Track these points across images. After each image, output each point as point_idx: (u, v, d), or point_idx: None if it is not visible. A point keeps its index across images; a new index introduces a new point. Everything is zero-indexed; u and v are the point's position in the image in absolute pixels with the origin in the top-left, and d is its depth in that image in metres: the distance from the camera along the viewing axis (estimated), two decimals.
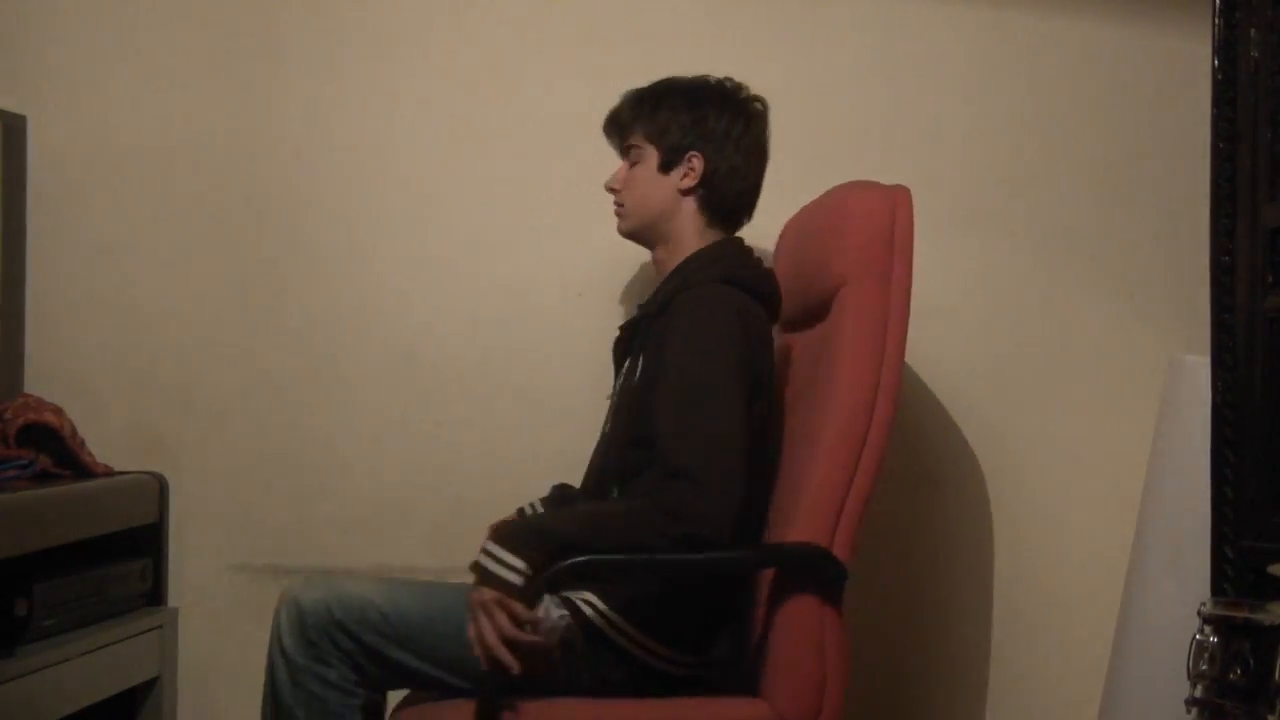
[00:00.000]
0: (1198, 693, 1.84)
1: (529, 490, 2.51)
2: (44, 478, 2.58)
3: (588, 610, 2.12)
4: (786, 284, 2.33)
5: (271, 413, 2.86)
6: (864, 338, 2.13)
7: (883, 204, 2.20)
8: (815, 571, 2.07)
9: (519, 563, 1.97)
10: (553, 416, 2.79)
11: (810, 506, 2.08)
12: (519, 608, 1.97)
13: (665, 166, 2.33)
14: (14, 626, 2.34)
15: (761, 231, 2.43)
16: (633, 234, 2.40)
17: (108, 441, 2.77)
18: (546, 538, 2.00)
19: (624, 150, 2.39)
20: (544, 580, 1.98)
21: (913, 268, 2.19)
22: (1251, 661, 1.77)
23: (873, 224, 2.19)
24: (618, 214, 2.40)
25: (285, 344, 2.87)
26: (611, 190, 2.40)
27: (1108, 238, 2.79)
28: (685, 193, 2.32)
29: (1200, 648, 1.84)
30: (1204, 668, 1.83)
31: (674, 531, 1.99)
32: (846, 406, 2.10)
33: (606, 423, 2.34)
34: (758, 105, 2.36)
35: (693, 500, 2.00)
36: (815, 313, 2.28)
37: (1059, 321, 2.79)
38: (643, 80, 2.38)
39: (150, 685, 2.74)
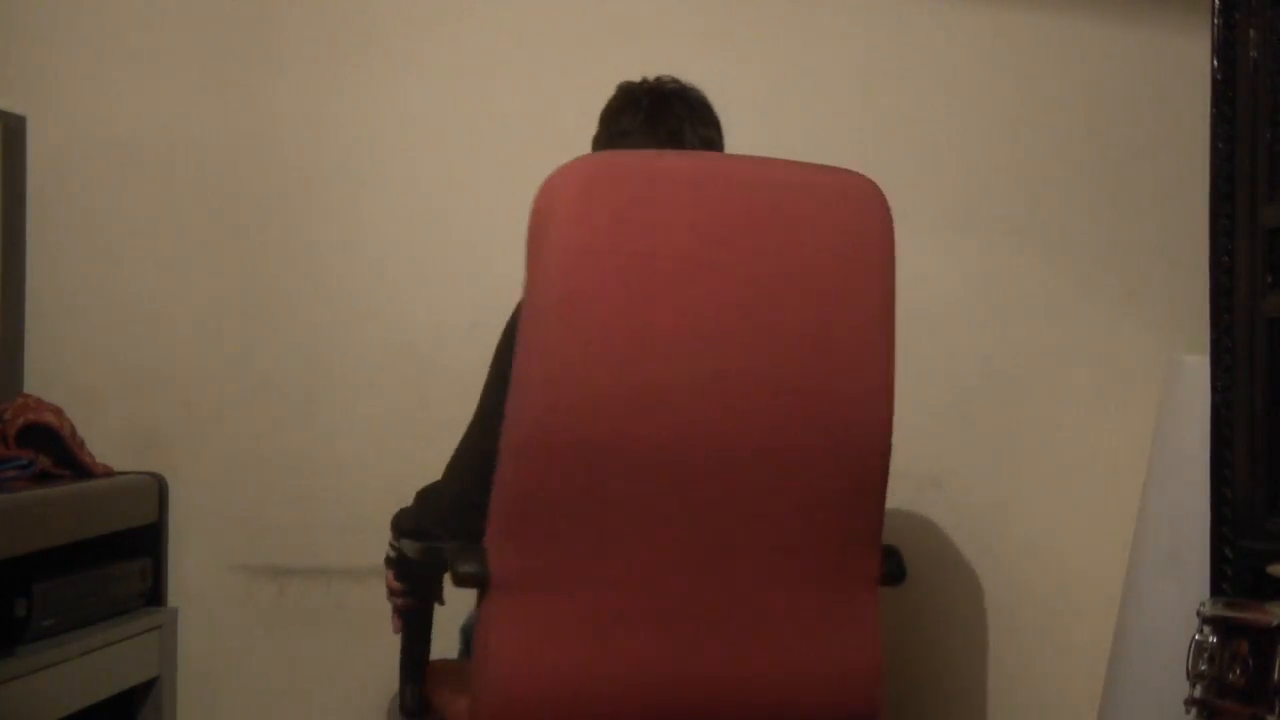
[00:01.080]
0: (1197, 693, 1.84)
1: None
2: (44, 478, 2.58)
3: None
4: None
5: (271, 413, 2.86)
6: (521, 329, 1.97)
7: (548, 181, 1.98)
8: (450, 572, 2.03)
9: (393, 541, 2.29)
10: None
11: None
12: (389, 577, 2.29)
13: None
14: (13, 626, 2.34)
15: None
16: None
17: (107, 442, 2.77)
18: (395, 523, 2.29)
19: None
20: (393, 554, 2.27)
21: (575, 247, 1.93)
22: (1251, 662, 1.76)
23: (533, 206, 1.99)
24: None
25: (285, 344, 2.87)
26: None
27: (1108, 238, 2.79)
28: None
29: (1199, 648, 1.84)
30: (1203, 668, 1.83)
31: (415, 525, 2.24)
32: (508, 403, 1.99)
33: None
34: (626, 90, 2.28)
35: (423, 496, 2.25)
36: None
37: (1059, 321, 2.79)
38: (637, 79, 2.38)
39: (150, 685, 2.74)
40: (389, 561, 2.30)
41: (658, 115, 2.25)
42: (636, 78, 2.38)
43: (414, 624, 2.28)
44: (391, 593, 2.31)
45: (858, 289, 2.05)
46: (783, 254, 2.02)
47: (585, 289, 1.94)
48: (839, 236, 2.05)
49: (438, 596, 2.27)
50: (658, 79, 2.29)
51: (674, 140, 2.21)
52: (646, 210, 1.97)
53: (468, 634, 2.41)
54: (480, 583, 1.98)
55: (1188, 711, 1.86)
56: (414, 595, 2.26)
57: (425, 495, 2.27)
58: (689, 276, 1.98)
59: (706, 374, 1.99)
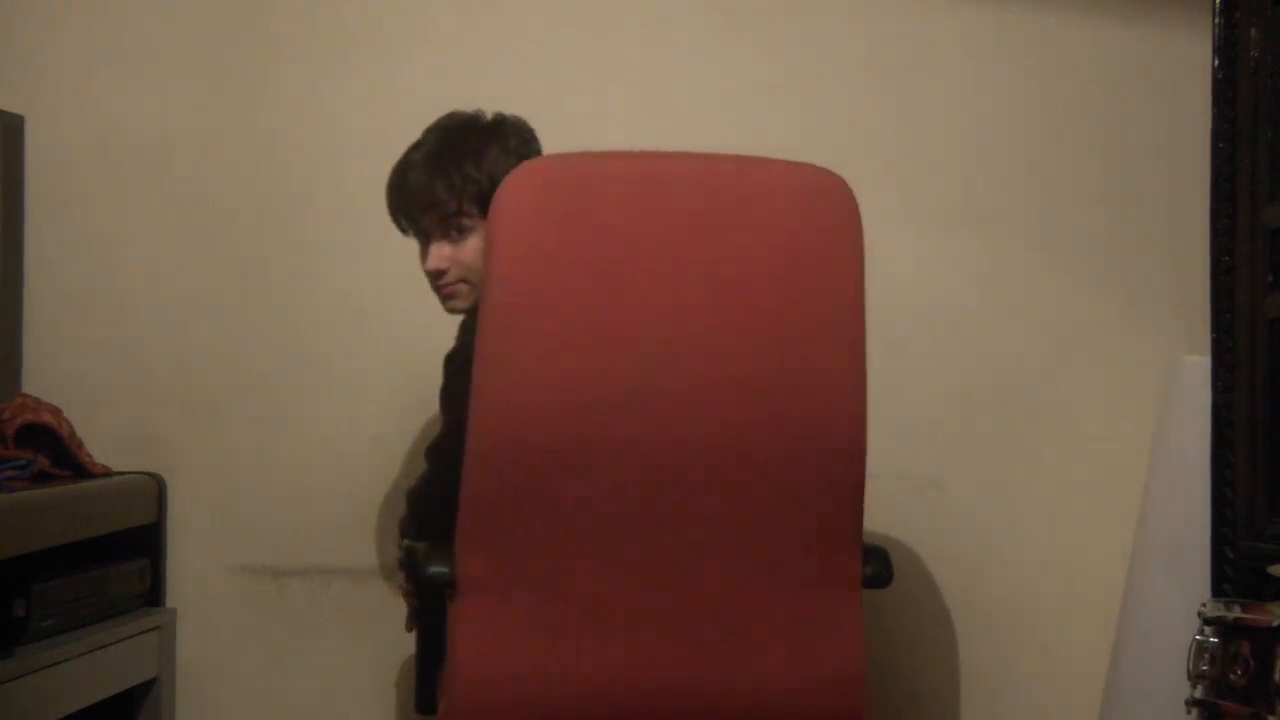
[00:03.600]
0: (1198, 693, 1.84)
1: None
2: (42, 478, 2.58)
3: None
4: None
5: (270, 413, 2.86)
6: (477, 336, 2.01)
7: (501, 185, 1.99)
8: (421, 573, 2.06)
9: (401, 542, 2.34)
10: None
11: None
12: (401, 578, 2.36)
13: None
14: (12, 627, 2.34)
15: None
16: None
17: (106, 442, 2.76)
18: (401, 524, 2.37)
19: (453, 226, 2.31)
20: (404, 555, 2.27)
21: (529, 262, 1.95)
22: (1251, 662, 1.76)
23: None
24: (456, 294, 2.33)
25: (284, 344, 2.86)
26: (441, 271, 2.32)
27: (1108, 238, 2.79)
28: None
29: (1200, 648, 1.84)
30: (1204, 668, 1.83)
31: (409, 526, 2.34)
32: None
33: None
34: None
35: (409, 498, 2.35)
36: None
37: (1060, 321, 2.79)
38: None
39: (148, 686, 2.74)
40: (400, 563, 2.32)
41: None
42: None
43: (427, 624, 2.28)
44: (405, 593, 2.34)
45: (822, 286, 2.02)
46: (739, 252, 2.00)
47: (535, 293, 1.94)
48: (800, 233, 2.02)
49: (450, 596, 2.27)
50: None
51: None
52: (596, 212, 1.97)
53: None
54: (448, 584, 1.99)
55: (1189, 712, 1.86)
56: (422, 596, 2.27)
57: (409, 497, 2.34)
58: (642, 278, 1.98)
59: (664, 376, 1.98)
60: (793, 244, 2.01)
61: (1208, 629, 1.85)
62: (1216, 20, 2.12)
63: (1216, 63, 2.13)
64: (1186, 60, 2.57)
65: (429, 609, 2.26)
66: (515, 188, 1.96)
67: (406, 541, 2.27)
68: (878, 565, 2.11)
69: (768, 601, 2.05)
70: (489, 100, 2.86)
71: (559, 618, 2.00)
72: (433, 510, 2.19)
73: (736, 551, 2.03)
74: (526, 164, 2.05)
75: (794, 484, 2.02)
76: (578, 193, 1.98)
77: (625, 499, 2.00)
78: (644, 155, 2.09)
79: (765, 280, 2.00)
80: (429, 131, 2.37)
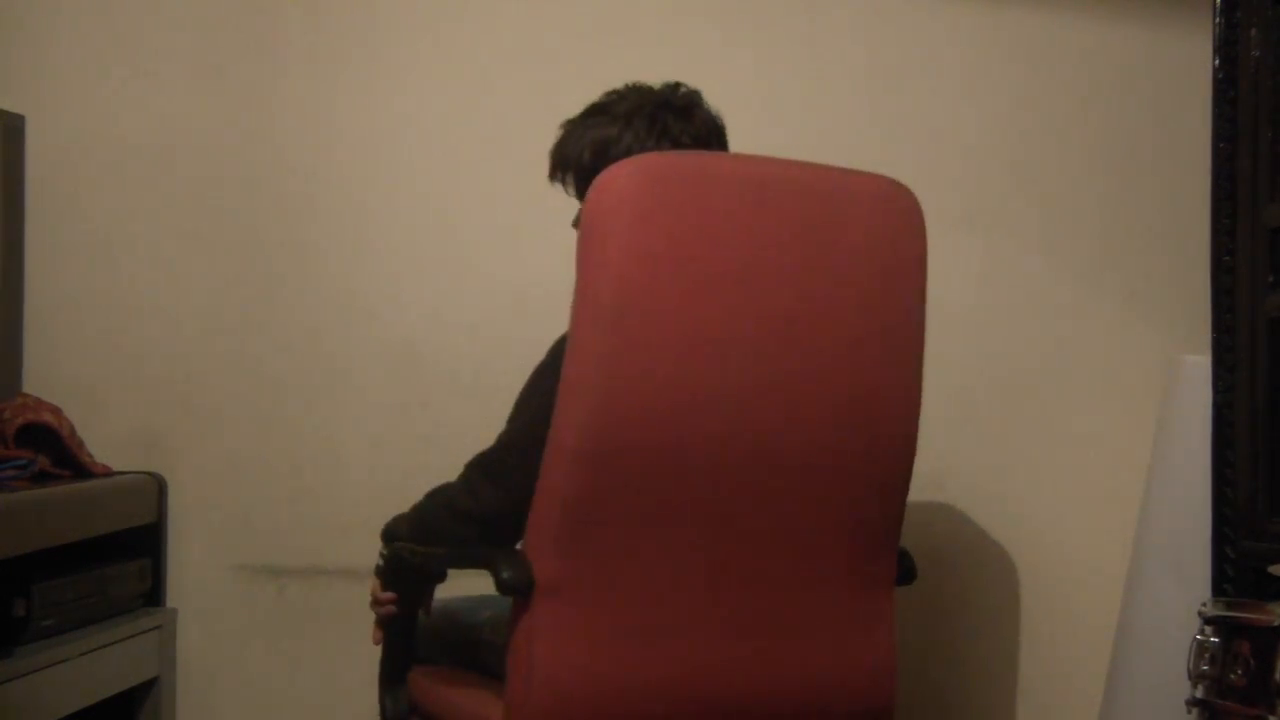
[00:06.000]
0: (1198, 693, 1.84)
1: None
2: (43, 478, 2.58)
3: None
4: None
5: (270, 413, 2.86)
6: (574, 332, 1.96)
7: (605, 181, 1.94)
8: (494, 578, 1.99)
9: (383, 551, 2.23)
10: None
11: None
12: (373, 585, 2.23)
13: None
14: (13, 627, 2.34)
15: None
16: None
17: (106, 441, 2.77)
18: (391, 527, 2.24)
19: None
20: (384, 563, 2.21)
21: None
22: (1251, 662, 1.76)
23: (588, 206, 1.96)
24: None
25: (284, 344, 2.87)
26: None
27: (1109, 237, 2.79)
28: None
29: (1200, 648, 1.84)
30: (1204, 668, 1.83)
31: (422, 529, 2.19)
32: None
33: None
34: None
35: (450, 504, 2.15)
36: None
37: (1060, 321, 2.79)
38: (642, 80, 2.37)
39: (149, 686, 2.74)
40: (378, 571, 2.25)
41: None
42: (616, 83, 2.35)
43: (398, 632, 2.24)
44: (376, 602, 2.25)
45: (895, 291, 2.09)
46: (829, 258, 2.03)
47: (644, 293, 1.91)
48: (879, 241, 2.08)
49: (426, 606, 2.23)
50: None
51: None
52: (705, 213, 1.96)
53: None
54: (524, 589, 1.94)
55: (1189, 712, 1.86)
56: (403, 603, 2.21)
57: (451, 502, 2.18)
58: (743, 280, 1.98)
59: (758, 379, 1.99)
60: (871, 251, 2.06)
61: (1208, 629, 1.84)
62: (1216, 20, 2.12)
63: (1216, 63, 2.13)
64: (1186, 60, 2.57)
65: (403, 616, 2.22)
66: (625, 183, 1.91)
67: (403, 544, 2.20)
68: (906, 564, 2.23)
69: (821, 601, 2.10)
70: (492, 102, 2.88)
71: (638, 621, 1.98)
72: (442, 520, 2.15)
73: (801, 549, 2.07)
74: (634, 159, 1.99)
75: (856, 484, 2.09)
76: (686, 191, 1.95)
77: (706, 501, 2.00)
78: (751, 159, 2.09)
79: (847, 285, 2.04)
80: (617, 96, 2.22)
